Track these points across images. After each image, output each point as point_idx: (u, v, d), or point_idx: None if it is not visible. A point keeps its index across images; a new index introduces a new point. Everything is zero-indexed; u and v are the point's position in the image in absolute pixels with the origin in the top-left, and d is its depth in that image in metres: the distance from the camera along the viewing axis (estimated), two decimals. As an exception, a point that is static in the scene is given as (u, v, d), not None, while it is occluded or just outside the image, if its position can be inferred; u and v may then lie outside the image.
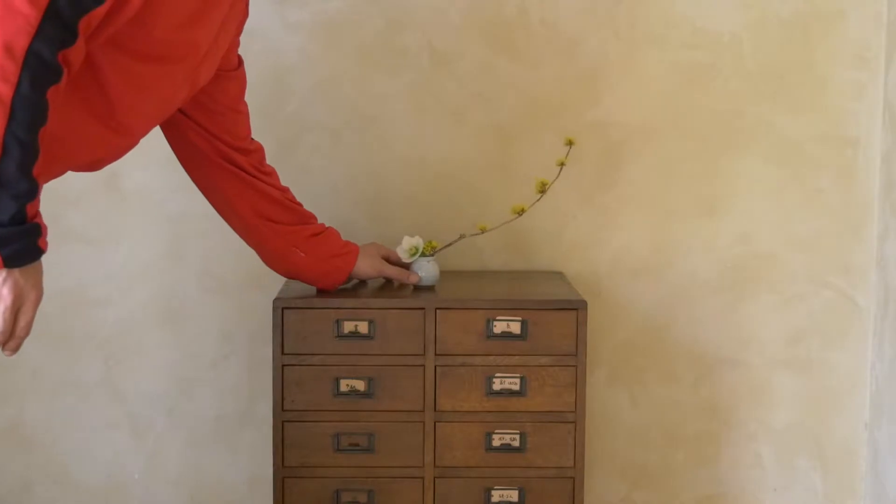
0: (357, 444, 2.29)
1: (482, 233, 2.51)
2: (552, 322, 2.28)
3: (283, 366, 2.28)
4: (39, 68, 1.52)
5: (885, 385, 2.63)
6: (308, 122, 2.64)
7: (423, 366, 2.28)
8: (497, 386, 2.29)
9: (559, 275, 2.63)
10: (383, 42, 2.64)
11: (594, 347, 2.66)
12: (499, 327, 2.28)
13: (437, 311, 2.28)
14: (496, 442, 2.30)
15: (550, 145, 2.62)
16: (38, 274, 1.61)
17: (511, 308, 2.29)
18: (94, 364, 2.69)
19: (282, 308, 2.27)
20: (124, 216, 2.66)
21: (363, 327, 2.28)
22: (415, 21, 2.63)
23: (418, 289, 2.41)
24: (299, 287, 2.41)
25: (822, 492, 2.75)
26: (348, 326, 2.28)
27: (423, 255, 2.42)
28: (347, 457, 2.29)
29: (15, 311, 1.59)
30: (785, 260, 2.70)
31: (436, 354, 2.28)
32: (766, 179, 2.68)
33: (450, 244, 2.49)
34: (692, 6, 2.64)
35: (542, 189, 2.50)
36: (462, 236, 2.51)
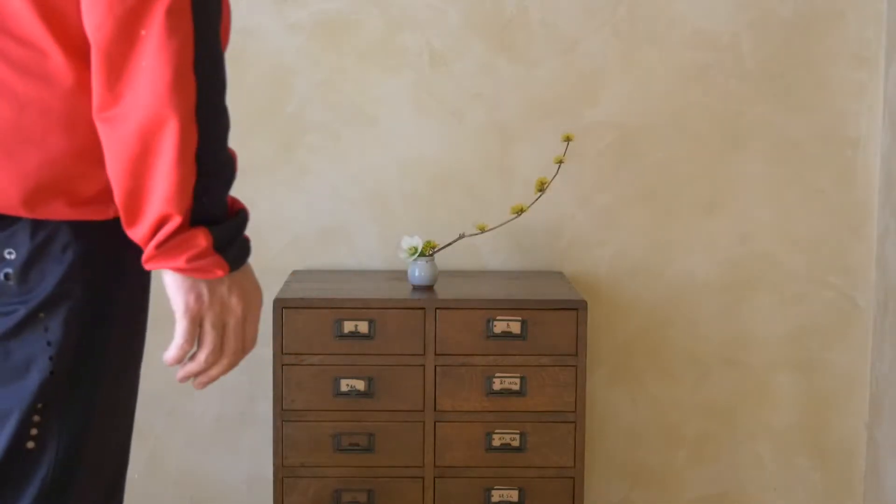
0: (357, 444, 2.29)
1: (482, 232, 2.51)
2: (552, 322, 2.28)
3: (283, 366, 2.28)
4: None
5: (885, 385, 2.63)
6: (308, 122, 2.64)
7: (423, 366, 2.28)
8: (497, 386, 2.29)
9: (559, 275, 2.63)
10: (383, 42, 2.64)
11: (594, 347, 2.66)
12: (499, 327, 2.28)
13: (437, 311, 2.28)
14: (496, 442, 2.30)
15: (550, 145, 2.62)
16: (251, 270, 1.32)
17: (511, 308, 2.29)
18: (94, 364, 2.69)
19: (282, 308, 2.27)
20: (124, 216, 2.66)
21: (363, 327, 2.28)
22: (415, 21, 2.63)
23: (418, 289, 2.41)
24: (299, 287, 2.41)
25: (822, 492, 2.75)
26: (348, 326, 2.28)
27: (422, 254, 2.42)
28: (347, 457, 2.29)
29: (245, 321, 1.32)
30: (785, 260, 2.70)
31: (436, 354, 2.28)
32: (766, 179, 2.68)
33: (449, 244, 2.50)
34: (692, 6, 2.64)
35: (542, 188, 2.50)
36: (461, 236, 2.51)
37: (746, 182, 2.69)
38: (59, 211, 1.24)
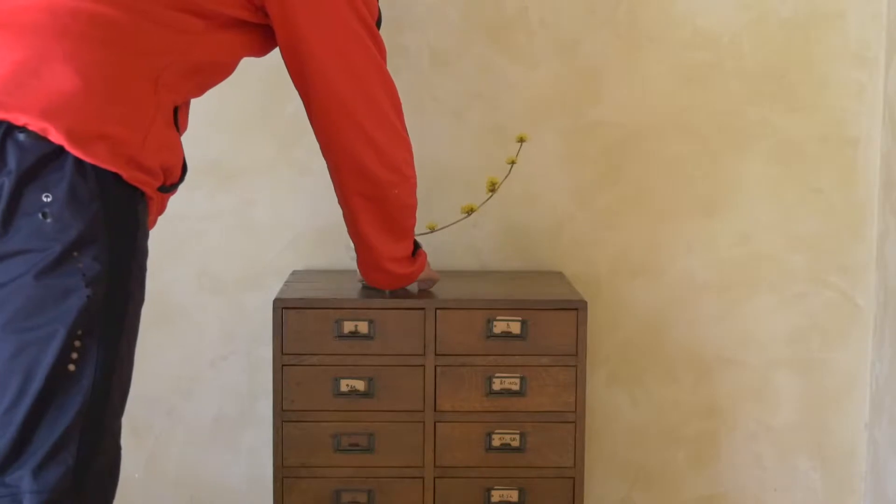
0: (357, 444, 2.29)
1: (431, 232, 2.52)
2: (552, 322, 2.28)
3: (283, 366, 2.28)
4: None
5: (885, 385, 2.63)
6: (308, 122, 2.63)
7: (423, 366, 2.28)
8: (497, 386, 2.29)
9: (559, 275, 2.63)
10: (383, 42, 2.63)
11: (594, 347, 2.66)
12: (499, 327, 2.28)
13: (437, 311, 2.28)
14: (496, 442, 2.30)
15: (550, 145, 2.62)
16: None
17: (511, 308, 2.29)
18: (94, 364, 2.69)
19: (282, 308, 2.27)
20: (124, 216, 2.66)
21: (363, 327, 2.28)
22: (415, 21, 2.63)
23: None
24: (299, 287, 2.41)
25: (822, 492, 2.75)
26: (348, 326, 2.27)
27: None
28: (347, 457, 2.29)
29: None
30: (785, 260, 2.70)
31: (436, 354, 2.28)
32: (766, 179, 2.68)
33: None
34: (692, 6, 2.64)
35: (493, 188, 2.52)
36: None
37: (746, 182, 2.69)
38: (100, 154, 1.55)
